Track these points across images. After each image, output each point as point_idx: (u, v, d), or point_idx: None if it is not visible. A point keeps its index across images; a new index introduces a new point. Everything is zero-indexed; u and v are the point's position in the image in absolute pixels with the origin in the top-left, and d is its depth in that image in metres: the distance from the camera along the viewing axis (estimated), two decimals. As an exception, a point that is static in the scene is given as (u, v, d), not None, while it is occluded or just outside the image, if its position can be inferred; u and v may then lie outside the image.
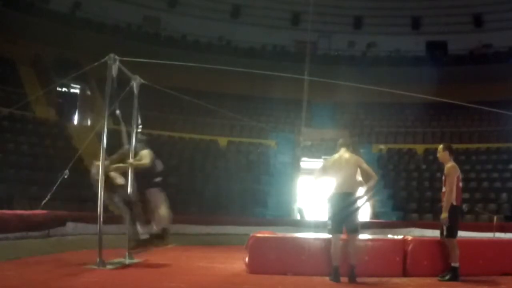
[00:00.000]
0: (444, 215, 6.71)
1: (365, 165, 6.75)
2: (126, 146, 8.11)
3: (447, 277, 6.74)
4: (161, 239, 7.84)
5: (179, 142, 22.96)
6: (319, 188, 6.96)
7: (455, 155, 7.34)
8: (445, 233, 6.82)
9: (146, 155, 7.79)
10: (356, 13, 29.15)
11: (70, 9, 25.08)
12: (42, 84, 20.32)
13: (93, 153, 8.68)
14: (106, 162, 7.39)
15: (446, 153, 7.02)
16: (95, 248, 7.14)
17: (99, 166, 7.21)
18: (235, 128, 24.29)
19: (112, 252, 7.87)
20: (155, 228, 7.73)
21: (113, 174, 7.66)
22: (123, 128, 8.21)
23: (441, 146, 7.15)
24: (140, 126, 8.38)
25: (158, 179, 7.90)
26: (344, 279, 6.54)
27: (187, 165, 21.26)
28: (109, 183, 7.44)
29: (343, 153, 6.85)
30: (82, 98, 23.85)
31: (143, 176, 7.76)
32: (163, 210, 7.72)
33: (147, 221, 7.73)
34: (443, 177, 6.94)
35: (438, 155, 7.16)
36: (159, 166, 8.00)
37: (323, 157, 22.13)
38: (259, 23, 28.32)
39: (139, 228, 7.67)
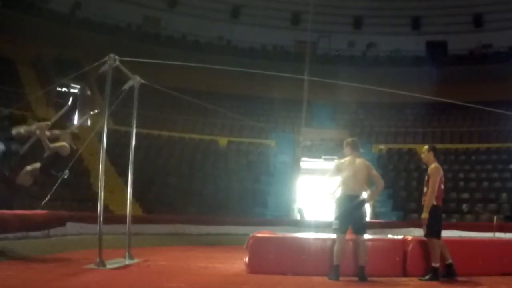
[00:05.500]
0: (425, 215, 6.82)
1: (374, 172, 7.00)
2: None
3: (426, 277, 6.77)
4: None
5: (179, 142, 22.95)
6: (329, 188, 7.11)
7: (440, 156, 7.43)
8: (424, 232, 6.90)
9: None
10: (356, 13, 29.13)
11: (70, 9, 25.06)
12: (42, 84, 20.31)
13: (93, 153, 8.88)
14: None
15: (431, 154, 7.09)
16: (95, 248, 7.13)
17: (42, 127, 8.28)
18: (235, 128, 24.28)
19: (112, 252, 7.88)
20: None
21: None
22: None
23: (425, 147, 7.22)
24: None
25: None
26: (343, 278, 6.60)
27: (187, 165, 21.27)
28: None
29: (356, 157, 7.00)
30: (82, 98, 23.84)
31: None
32: None
33: None
34: (426, 178, 7.02)
35: (422, 155, 7.27)
36: None
37: (323, 157, 22.19)
38: (259, 23, 28.30)
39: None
